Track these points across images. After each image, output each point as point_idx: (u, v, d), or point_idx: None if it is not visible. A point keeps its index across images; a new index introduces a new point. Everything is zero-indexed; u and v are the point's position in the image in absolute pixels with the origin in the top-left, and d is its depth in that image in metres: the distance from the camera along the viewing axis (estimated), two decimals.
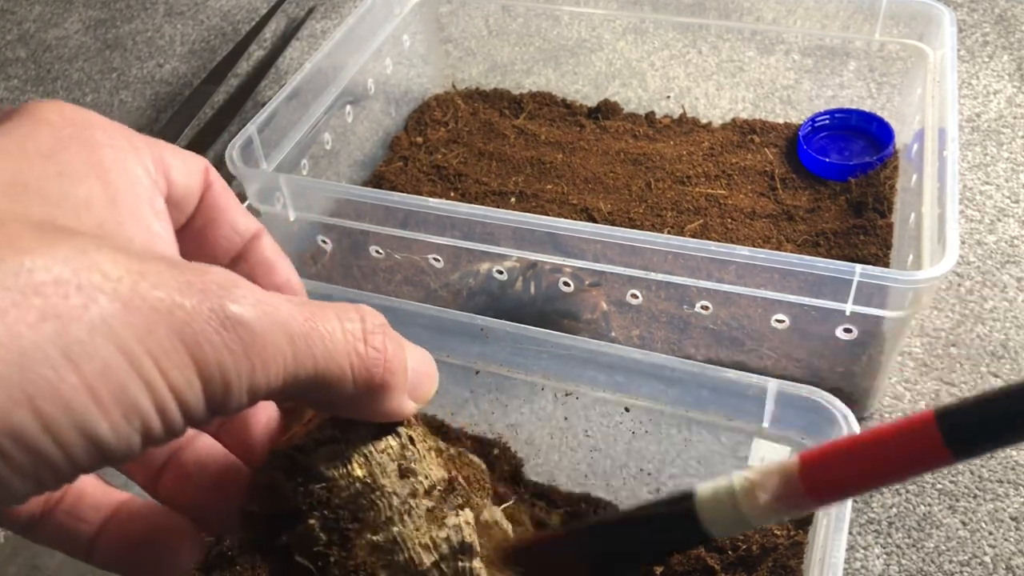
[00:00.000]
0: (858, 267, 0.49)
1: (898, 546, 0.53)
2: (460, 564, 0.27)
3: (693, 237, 0.60)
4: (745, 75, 0.83)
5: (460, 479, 0.28)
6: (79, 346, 0.18)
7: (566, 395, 0.52)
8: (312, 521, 0.26)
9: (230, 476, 0.28)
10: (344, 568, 0.26)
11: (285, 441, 0.27)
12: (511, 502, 0.38)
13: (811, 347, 0.57)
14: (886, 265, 0.65)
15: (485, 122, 0.83)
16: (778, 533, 0.47)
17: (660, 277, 0.54)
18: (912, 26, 0.70)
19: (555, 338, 0.49)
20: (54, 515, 0.26)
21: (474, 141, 0.81)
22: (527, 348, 0.50)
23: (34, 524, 0.26)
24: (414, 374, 0.26)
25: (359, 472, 0.26)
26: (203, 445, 0.29)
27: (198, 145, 0.84)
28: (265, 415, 0.29)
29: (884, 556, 0.52)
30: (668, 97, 0.84)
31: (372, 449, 0.26)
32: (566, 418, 0.53)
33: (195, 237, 0.27)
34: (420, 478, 0.27)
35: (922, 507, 0.54)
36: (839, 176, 0.72)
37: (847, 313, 0.52)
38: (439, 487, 0.28)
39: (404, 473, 0.27)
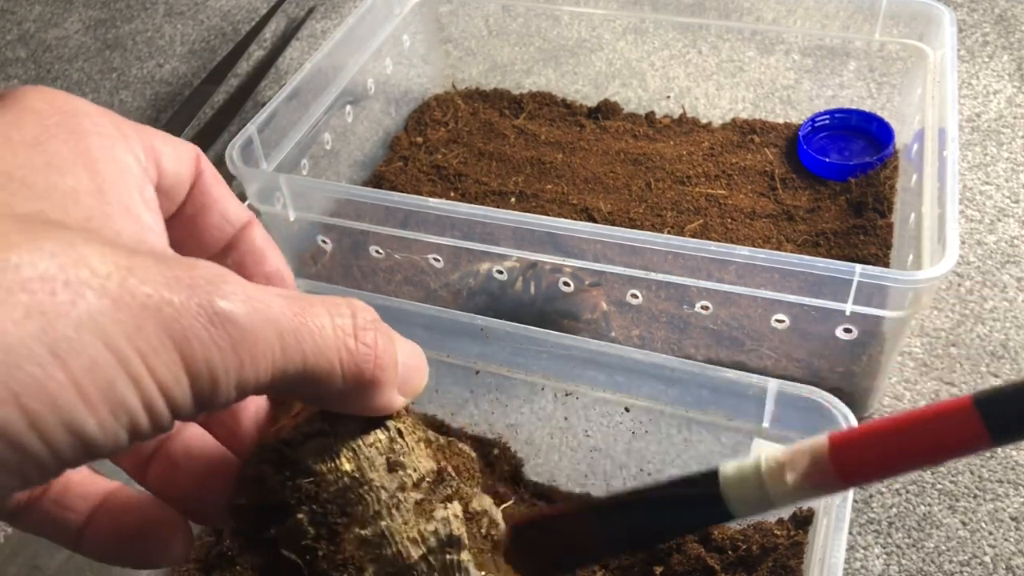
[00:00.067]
0: (858, 267, 0.49)
1: (898, 546, 0.53)
2: (448, 557, 0.27)
3: (693, 237, 0.60)
4: (745, 75, 0.83)
5: (449, 469, 0.28)
6: (66, 343, 0.18)
7: (566, 395, 0.52)
8: (300, 515, 0.26)
9: (218, 466, 0.28)
10: (332, 562, 0.26)
11: (273, 434, 0.27)
12: (511, 502, 0.38)
13: (811, 347, 0.57)
14: (886, 265, 0.65)
15: (485, 122, 0.83)
16: (778, 533, 0.47)
17: (660, 277, 0.54)
18: (912, 26, 0.70)
19: (555, 338, 0.49)
20: (41, 503, 0.26)
21: (474, 141, 0.81)
22: (527, 348, 0.50)
23: (20, 512, 0.26)
24: (404, 368, 0.26)
25: (347, 466, 0.26)
26: (192, 435, 0.28)
27: (198, 145, 0.84)
28: (254, 406, 0.29)
29: (884, 556, 0.52)
30: (668, 97, 0.84)
31: (360, 443, 0.26)
32: (566, 418, 0.53)
33: (185, 225, 0.27)
34: (408, 471, 0.27)
35: (922, 507, 0.54)
36: (839, 176, 0.72)
37: (847, 313, 0.52)
38: (428, 479, 0.28)
39: (392, 467, 0.27)
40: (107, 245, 0.20)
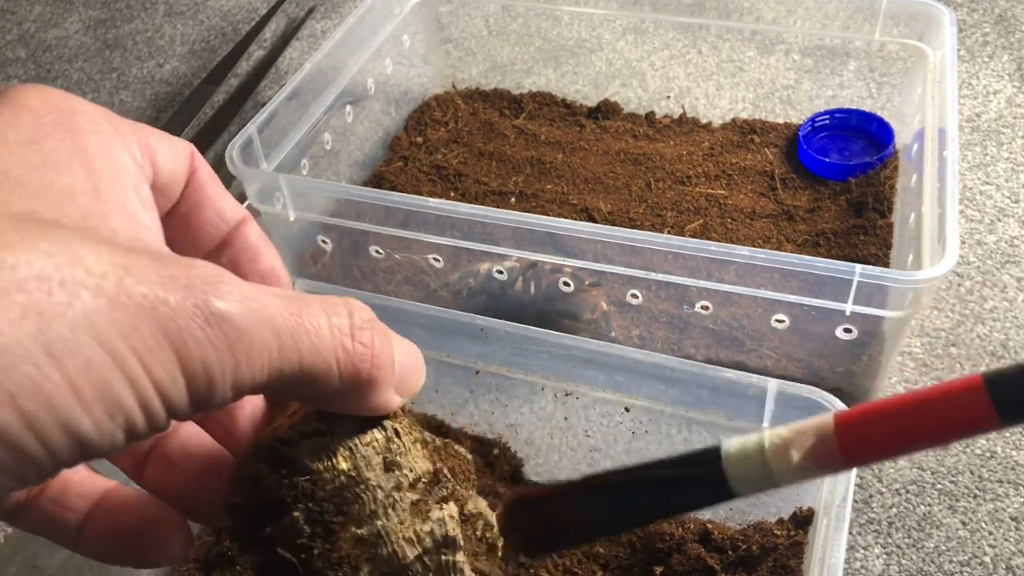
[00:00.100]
0: (858, 267, 0.49)
1: (898, 546, 0.53)
2: (443, 558, 0.27)
3: (693, 237, 0.60)
4: (745, 75, 0.83)
5: (445, 471, 0.28)
6: (62, 343, 0.18)
7: (566, 395, 0.52)
8: (296, 513, 0.26)
9: (215, 465, 0.28)
10: (328, 561, 0.26)
11: (270, 433, 0.27)
12: None
13: (811, 347, 0.57)
14: (886, 265, 0.65)
15: (485, 122, 0.83)
16: (778, 533, 0.47)
17: (660, 277, 0.54)
18: (912, 26, 0.70)
19: (555, 338, 0.49)
20: (39, 502, 0.26)
21: (474, 141, 0.81)
22: (527, 348, 0.50)
23: (18, 511, 0.26)
24: (401, 368, 0.26)
25: (344, 465, 0.26)
26: (188, 433, 0.28)
27: (198, 145, 0.84)
28: (251, 405, 0.29)
29: (884, 556, 0.52)
30: (668, 97, 0.84)
31: (357, 442, 0.26)
32: (566, 418, 0.53)
33: (180, 223, 0.27)
34: (405, 471, 0.27)
35: (922, 507, 0.54)
36: (839, 176, 0.72)
37: (847, 313, 0.52)
38: (424, 480, 0.28)
39: (389, 466, 0.27)
40: (103, 244, 0.19)
